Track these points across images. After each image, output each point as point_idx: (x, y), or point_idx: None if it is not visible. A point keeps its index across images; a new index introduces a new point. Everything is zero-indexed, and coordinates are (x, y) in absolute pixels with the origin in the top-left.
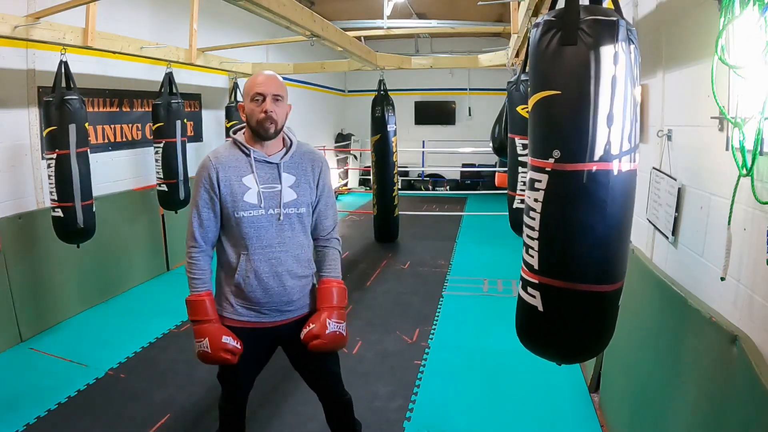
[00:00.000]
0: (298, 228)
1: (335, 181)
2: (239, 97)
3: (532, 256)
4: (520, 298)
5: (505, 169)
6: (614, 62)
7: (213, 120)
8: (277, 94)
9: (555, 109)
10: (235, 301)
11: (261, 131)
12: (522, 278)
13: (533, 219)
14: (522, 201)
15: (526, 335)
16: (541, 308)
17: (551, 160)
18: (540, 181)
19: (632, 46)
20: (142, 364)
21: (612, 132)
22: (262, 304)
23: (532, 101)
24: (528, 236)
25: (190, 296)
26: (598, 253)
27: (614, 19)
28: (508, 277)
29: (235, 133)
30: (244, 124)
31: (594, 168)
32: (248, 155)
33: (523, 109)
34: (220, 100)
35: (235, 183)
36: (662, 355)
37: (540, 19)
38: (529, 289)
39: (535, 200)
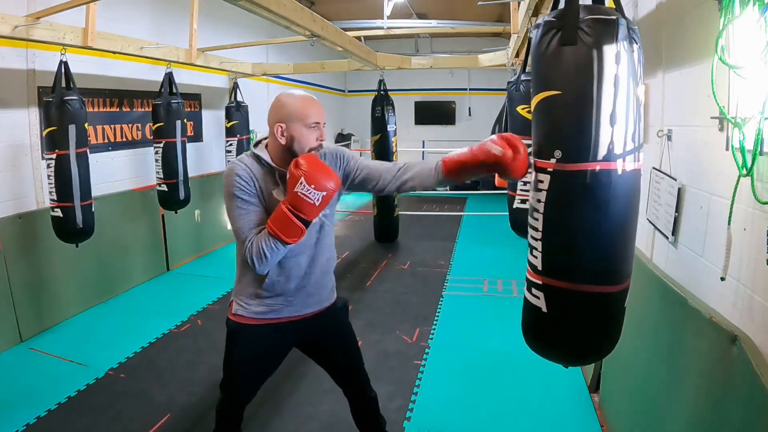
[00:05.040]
0: (323, 231)
1: None
2: (239, 97)
3: (536, 257)
4: (525, 299)
5: None
6: (615, 61)
7: (213, 120)
8: (325, 122)
9: (556, 110)
10: (261, 301)
11: None
12: (527, 279)
13: (537, 220)
14: (522, 201)
15: (531, 337)
16: (545, 309)
17: (553, 161)
18: (543, 181)
19: (635, 45)
20: (142, 364)
21: (612, 131)
22: (290, 301)
23: (534, 102)
24: (532, 237)
25: (280, 222)
26: (601, 254)
27: (614, 17)
28: (508, 277)
29: (255, 146)
30: (264, 138)
31: (598, 167)
32: (273, 171)
33: (523, 109)
34: (220, 100)
35: (267, 195)
36: (662, 355)
37: (540, 20)
38: (533, 290)
39: (538, 201)
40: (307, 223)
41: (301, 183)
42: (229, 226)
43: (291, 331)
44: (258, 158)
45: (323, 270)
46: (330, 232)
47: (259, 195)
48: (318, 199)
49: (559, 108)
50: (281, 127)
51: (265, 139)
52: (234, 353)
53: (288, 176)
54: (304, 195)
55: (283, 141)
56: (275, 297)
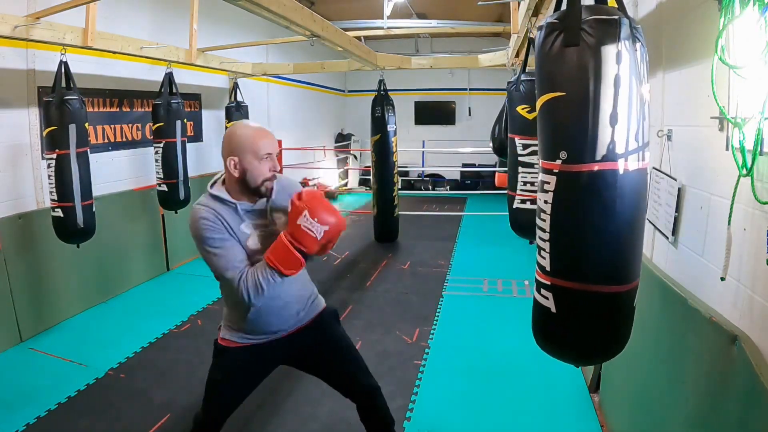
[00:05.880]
0: None
1: (336, 180)
2: (239, 97)
3: (544, 258)
4: (534, 299)
5: (505, 169)
6: (617, 61)
7: (213, 120)
8: (277, 152)
9: (560, 111)
10: (246, 331)
11: (262, 190)
12: (536, 280)
13: (544, 221)
14: (522, 201)
15: (541, 337)
16: (554, 310)
17: (559, 162)
18: (549, 182)
19: (638, 44)
20: (142, 364)
21: (616, 131)
22: (273, 330)
23: (539, 103)
24: (540, 238)
25: (279, 253)
26: (608, 254)
27: (616, 17)
28: (508, 277)
29: (211, 187)
30: (220, 177)
31: (600, 168)
32: (235, 206)
33: (523, 109)
34: (220, 100)
35: (236, 231)
36: (662, 355)
37: (543, 21)
38: (542, 291)
39: (545, 202)
40: (306, 256)
41: (304, 216)
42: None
43: (277, 349)
44: (217, 198)
45: (298, 288)
46: None
47: (229, 232)
48: (320, 233)
49: (564, 109)
50: (234, 160)
51: (221, 176)
52: (218, 372)
53: (290, 209)
54: (308, 228)
55: (236, 174)
56: (255, 330)
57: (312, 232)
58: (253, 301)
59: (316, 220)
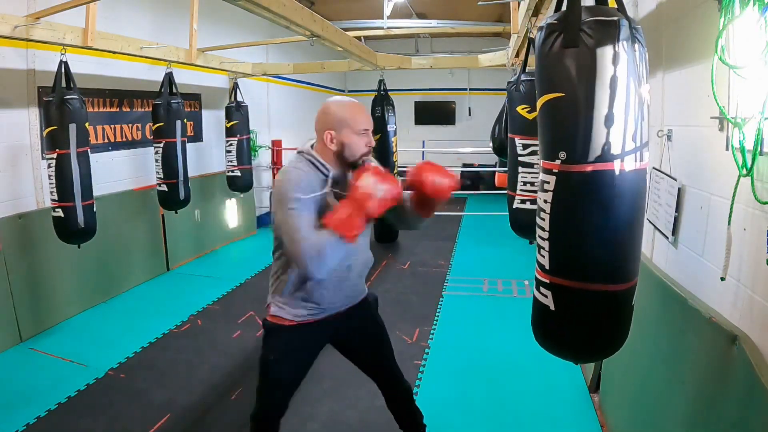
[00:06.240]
0: (365, 234)
1: None
2: (239, 97)
3: (544, 256)
4: (534, 297)
5: (505, 169)
6: (615, 62)
7: (213, 120)
8: (372, 129)
9: (560, 111)
10: (300, 304)
11: (360, 162)
12: (535, 278)
13: (544, 220)
14: (522, 201)
15: (540, 334)
16: (552, 308)
17: (558, 162)
18: (549, 182)
19: (637, 45)
20: (142, 364)
21: (612, 132)
22: (328, 304)
23: (539, 104)
24: (539, 237)
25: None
26: (606, 253)
27: (615, 18)
28: (508, 277)
29: (304, 151)
30: (310, 144)
31: (596, 168)
32: (326, 175)
33: (523, 109)
34: (220, 100)
35: (320, 198)
36: (662, 355)
37: (543, 22)
38: (542, 289)
39: (545, 201)
40: (367, 220)
41: (366, 177)
42: (231, 225)
43: (326, 327)
44: (311, 162)
45: (359, 273)
46: (364, 236)
47: (313, 194)
48: (383, 192)
49: (563, 110)
50: (331, 134)
51: (310, 145)
52: (272, 352)
53: (354, 180)
54: (370, 191)
55: (333, 148)
56: (314, 302)
57: (376, 193)
58: (311, 267)
59: (378, 182)
